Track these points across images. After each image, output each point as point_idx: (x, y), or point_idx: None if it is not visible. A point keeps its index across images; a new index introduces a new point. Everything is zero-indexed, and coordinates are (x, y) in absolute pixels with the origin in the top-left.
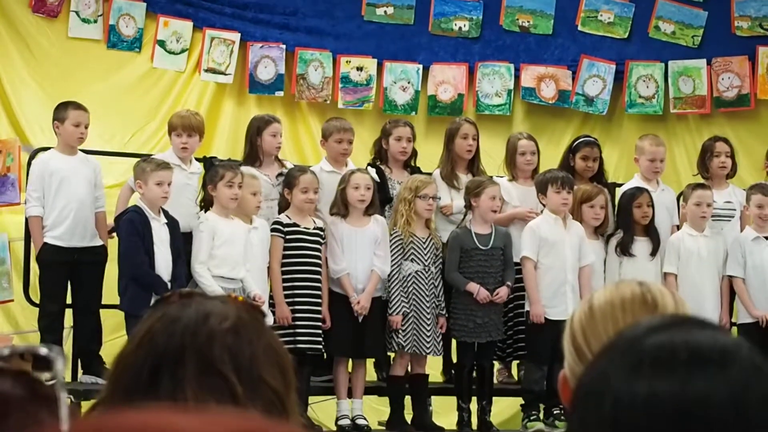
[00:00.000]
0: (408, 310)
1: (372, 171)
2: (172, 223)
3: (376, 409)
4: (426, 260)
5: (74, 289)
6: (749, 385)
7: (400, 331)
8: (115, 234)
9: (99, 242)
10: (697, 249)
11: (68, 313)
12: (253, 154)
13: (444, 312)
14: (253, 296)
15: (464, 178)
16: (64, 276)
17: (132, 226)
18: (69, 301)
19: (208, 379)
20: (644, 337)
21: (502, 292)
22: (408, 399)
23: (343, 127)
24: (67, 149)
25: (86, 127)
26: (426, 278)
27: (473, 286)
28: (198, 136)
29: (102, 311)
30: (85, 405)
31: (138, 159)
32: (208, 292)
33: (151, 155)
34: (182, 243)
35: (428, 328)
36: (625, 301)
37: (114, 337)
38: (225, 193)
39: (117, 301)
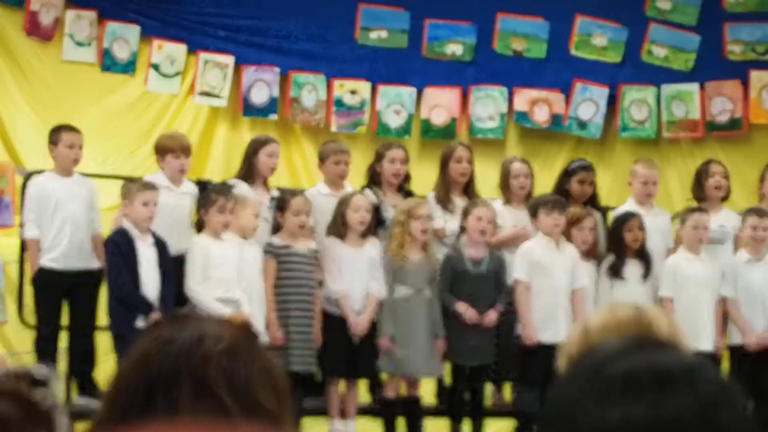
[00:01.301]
0: (396, 333)
1: (370, 194)
2: (160, 244)
3: None
4: (418, 283)
5: (70, 311)
6: (718, 402)
7: (389, 354)
8: None
9: (95, 265)
10: (694, 273)
11: (62, 334)
12: (248, 173)
13: (441, 333)
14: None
15: (459, 202)
16: (59, 299)
17: (116, 247)
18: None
19: (203, 400)
20: (608, 364)
21: (491, 315)
22: (401, 421)
23: (340, 149)
24: (62, 171)
25: (80, 148)
26: (417, 301)
27: (462, 306)
28: (190, 156)
29: (96, 333)
30: (79, 427)
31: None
32: (211, 309)
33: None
34: (171, 264)
35: (420, 351)
36: (620, 324)
37: (108, 358)
38: (216, 219)
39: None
